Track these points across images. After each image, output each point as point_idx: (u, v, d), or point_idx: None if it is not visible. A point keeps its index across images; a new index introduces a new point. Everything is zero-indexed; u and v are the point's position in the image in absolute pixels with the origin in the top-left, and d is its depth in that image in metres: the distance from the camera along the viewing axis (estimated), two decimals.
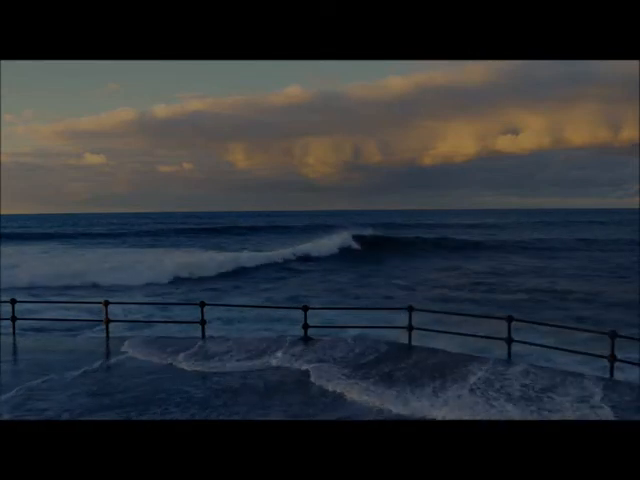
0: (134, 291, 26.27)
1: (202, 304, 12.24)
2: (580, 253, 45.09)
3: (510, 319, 10.16)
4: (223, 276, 32.08)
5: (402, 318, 11.61)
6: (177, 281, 29.83)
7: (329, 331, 14.03)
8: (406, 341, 11.45)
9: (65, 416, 7.57)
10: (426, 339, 13.26)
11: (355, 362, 10.12)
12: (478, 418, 7.29)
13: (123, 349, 11.31)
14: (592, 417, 7.36)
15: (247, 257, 37.43)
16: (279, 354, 10.69)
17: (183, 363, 10.27)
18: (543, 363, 10.65)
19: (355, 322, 14.38)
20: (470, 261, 39.46)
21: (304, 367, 9.89)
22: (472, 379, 8.95)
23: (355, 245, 44.42)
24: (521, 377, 8.97)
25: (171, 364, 10.26)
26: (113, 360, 10.58)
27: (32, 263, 31.66)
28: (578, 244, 52.40)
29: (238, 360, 10.39)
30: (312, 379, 9.28)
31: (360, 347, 11.13)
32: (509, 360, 10.09)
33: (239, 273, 33.47)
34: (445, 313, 15.30)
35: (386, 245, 45.53)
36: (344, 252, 42.10)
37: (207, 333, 12.34)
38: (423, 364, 9.96)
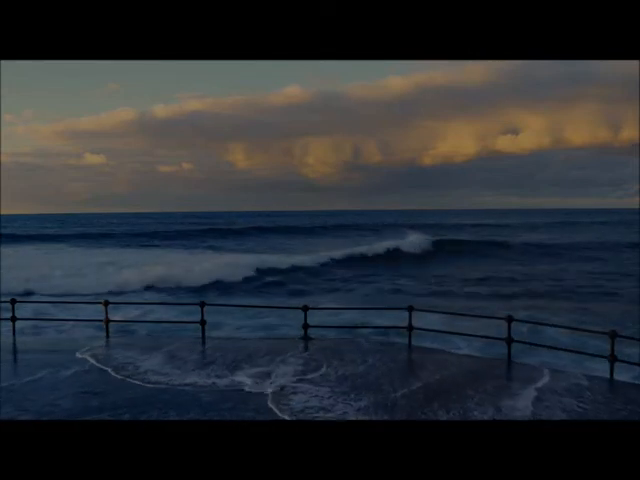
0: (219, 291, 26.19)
1: (202, 304, 12.20)
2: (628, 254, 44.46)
3: (510, 319, 10.16)
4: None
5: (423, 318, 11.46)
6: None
7: (331, 331, 14.04)
8: (416, 342, 11.41)
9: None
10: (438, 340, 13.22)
11: (350, 372, 9.33)
12: (478, 418, 7.29)
13: (83, 355, 10.64)
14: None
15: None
16: (262, 363, 9.85)
17: (137, 375, 9.34)
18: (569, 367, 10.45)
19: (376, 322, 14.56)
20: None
21: (281, 382, 8.78)
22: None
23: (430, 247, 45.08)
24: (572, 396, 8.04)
25: (124, 378, 9.20)
26: (63, 368, 9.70)
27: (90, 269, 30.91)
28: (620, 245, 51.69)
29: (218, 376, 9.21)
30: (270, 405, 7.86)
31: (361, 349, 11.00)
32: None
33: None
34: (445, 313, 15.33)
35: (457, 247, 45.94)
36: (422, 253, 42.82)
37: (209, 333, 12.33)
38: (435, 377, 9.08)
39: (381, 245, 42.61)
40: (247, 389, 8.57)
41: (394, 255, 41.07)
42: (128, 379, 9.16)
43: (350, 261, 38.11)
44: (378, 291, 27.90)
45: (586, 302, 24.08)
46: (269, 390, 8.46)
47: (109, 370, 9.65)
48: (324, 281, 31.43)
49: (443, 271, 35.03)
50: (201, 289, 27.37)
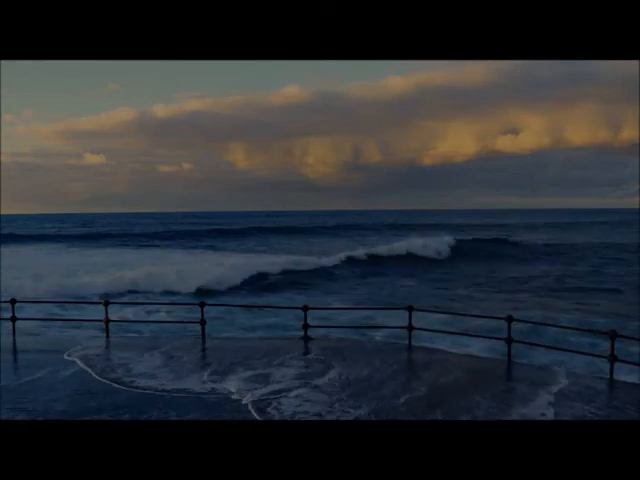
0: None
1: (202, 304, 12.18)
2: None
3: (510, 319, 10.16)
4: None
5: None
6: None
7: (333, 331, 14.03)
8: (416, 342, 11.39)
9: None
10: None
11: (350, 372, 9.11)
12: (478, 418, 7.28)
13: (71, 357, 10.41)
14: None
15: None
16: (260, 365, 9.63)
17: (131, 377, 9.06)
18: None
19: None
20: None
21: (279, 386, 8.51)
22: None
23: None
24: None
25: (111, 382, 8.89)
26: (53, 369, 9.54)
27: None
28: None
29: (214, 380, 8.88)
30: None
31: (360, 349, 10.99)
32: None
33: None
34: (445, 313, 15.34)
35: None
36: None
37: (210, 333, 12.32)
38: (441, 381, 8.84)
39: (404, 244, 42.73)
40: (242, 393, 8.26)
41: (409, 255, 40.93)
42: (114, 383, 8.85)
43: (366, 261, 38.13)
44: (393, 290, 28.07)
45: (588, 300, 24.19)
46: (264, 394, 8.23)
47: (100, 372, 9.44)
48: (338, 282, 31.48)
49: (464, 271, 35.41)
50: (205, 289, 27.29)
